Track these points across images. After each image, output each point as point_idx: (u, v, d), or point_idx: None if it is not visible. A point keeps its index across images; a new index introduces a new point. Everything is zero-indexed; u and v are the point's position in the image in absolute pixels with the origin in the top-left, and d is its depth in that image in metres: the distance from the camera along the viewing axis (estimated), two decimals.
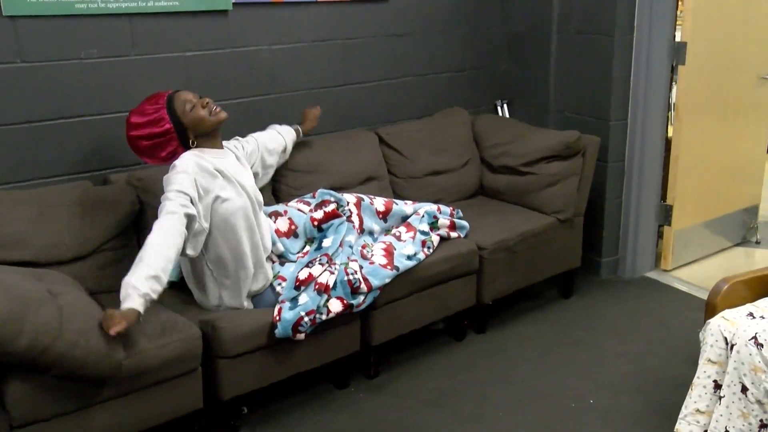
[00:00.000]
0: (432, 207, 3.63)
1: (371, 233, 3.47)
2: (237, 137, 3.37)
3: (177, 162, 2.87)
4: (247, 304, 3.05)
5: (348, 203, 3.38)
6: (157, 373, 2.70)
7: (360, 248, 3.30)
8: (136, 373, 2.63)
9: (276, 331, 2.94)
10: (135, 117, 2.92)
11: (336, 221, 3.27)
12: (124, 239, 3.17)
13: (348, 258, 3.18)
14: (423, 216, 3.56)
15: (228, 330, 2.87)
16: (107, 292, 3.04)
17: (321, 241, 3.23)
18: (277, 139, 3.47)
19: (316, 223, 3.27)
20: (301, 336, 2.98)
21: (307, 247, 3.25)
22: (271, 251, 3.14)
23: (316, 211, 3.30)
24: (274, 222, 3.21)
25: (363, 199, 3.46)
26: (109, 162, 3.35)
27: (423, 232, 3.48)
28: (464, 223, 3.70)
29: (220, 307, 3.03)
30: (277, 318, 2.95)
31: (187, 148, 2.96)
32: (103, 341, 2.45)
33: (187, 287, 3.11)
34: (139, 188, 3.21)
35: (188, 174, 2.82)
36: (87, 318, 2.48)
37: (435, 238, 3.53)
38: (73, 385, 2.50)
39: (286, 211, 3.27)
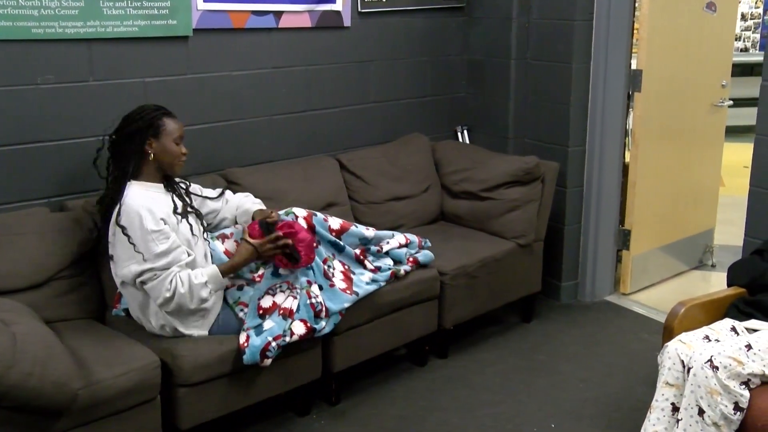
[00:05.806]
0: (400, 239, 3.58)
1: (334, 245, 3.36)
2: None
3: (140, 213, 2.84)
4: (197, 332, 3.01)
5: (297, 217, 3.21)
6: (115, 404, 2.65)
7: (321, 263, 3.22)
8: (93, 403, 2.58)
9: (244, 357, 2.91)
10: None
11: None
12: (81, 267, 3.12)
13: (307, 281, 3.14)
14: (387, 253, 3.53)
15: (188, 358, 2.83)
16: (64, 321, 2.99)
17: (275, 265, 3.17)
18: (240, 208, 3.34)
19: None
20: (268, 362, 2.96)
21: (261, 270, 3.16)
22: None
23: None
24: (222, 244, 3.16)
25: (315, 215, 3.30)
26: (66, 188, 3.31)
27: (387, 267, 3.47)
28: (429, 255, 3.66)
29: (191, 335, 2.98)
30: (245, 345, 2.92)
31: (140, 156, 2.95)
32: (58, 371, 2.39)
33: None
34: (97, 215, 3.16)
35: (160, 224, 2.86)
36: (42, 347, 2.42)
37: (407, 268, 3.53)
38: (25, 418, 2.43)
39: (232, 234, 3.21)
